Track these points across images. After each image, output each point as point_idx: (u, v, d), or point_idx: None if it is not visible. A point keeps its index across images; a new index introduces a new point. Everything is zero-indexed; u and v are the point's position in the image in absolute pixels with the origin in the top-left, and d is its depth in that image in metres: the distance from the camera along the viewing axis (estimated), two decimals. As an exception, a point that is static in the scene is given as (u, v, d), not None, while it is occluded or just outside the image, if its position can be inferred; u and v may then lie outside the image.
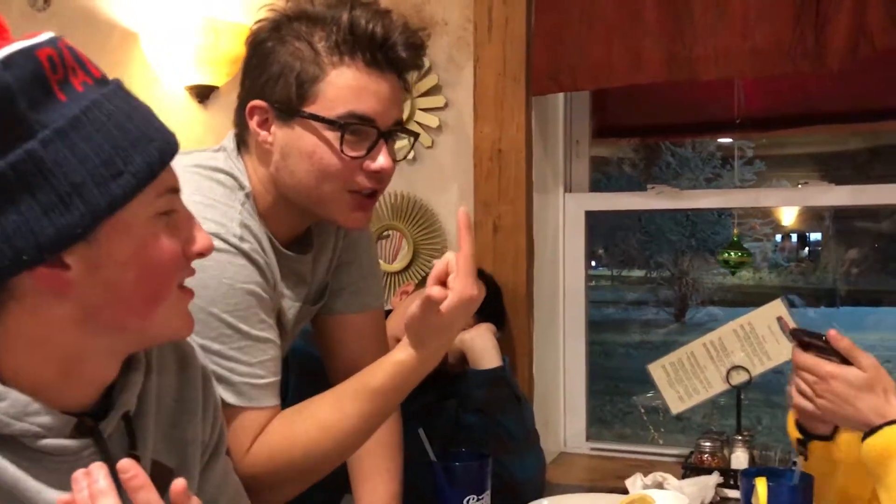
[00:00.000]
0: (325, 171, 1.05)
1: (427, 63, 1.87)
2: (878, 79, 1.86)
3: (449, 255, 1.02)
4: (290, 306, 1.17)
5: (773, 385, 6.65)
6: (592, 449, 1.97)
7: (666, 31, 1.63)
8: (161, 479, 0.73)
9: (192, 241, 0.78)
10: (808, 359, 1.10)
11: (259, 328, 1.07)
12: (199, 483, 0.90)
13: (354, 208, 1.08)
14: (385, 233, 1.94)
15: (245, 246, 1.06)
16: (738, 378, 1.66)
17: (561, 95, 1.95)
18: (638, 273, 10.27)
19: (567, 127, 1.99)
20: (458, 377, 1.57)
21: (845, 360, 1.08)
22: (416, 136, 1.18)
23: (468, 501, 1.19)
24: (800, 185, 1.86)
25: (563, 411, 1.99)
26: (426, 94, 1.87)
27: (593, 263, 9.56)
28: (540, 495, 1.47)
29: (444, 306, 0.99)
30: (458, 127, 1.86)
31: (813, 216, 9.12)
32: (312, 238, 1.20)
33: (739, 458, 1.62)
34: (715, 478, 1.56)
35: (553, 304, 1.97)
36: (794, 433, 1.18)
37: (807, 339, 1.12)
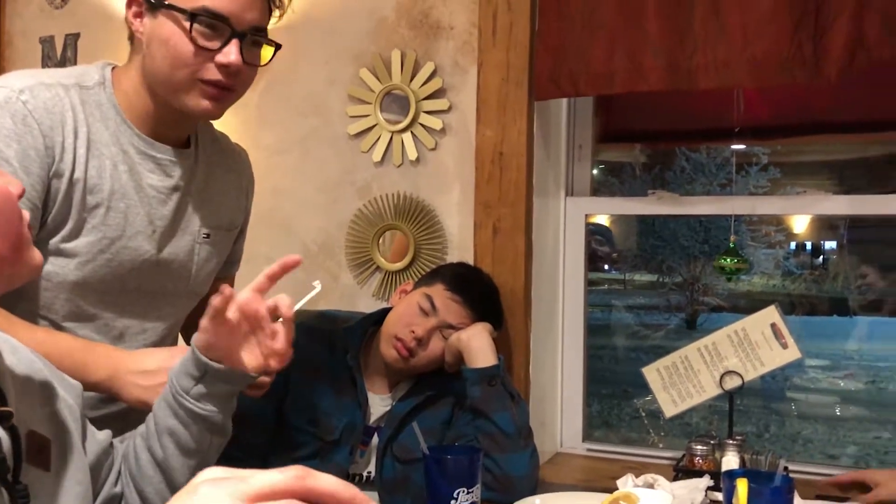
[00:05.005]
0: (178, 57, 1.16)
1: (432, 66, 1.91)
2: (877, 89, 1.88)
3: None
4: (154, 196, 1.26)
5: (777, 393, 6.63)
6: (588, 450, 2.00)
7: (666, 40, 1.66)
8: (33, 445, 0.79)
9: None
10: None
11: None
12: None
13: (203, 96, 1.19)
14: (386, 232, 1.97)
15: (25, 100, 1.15)
16: (731, 383, 1.68)
17: (564, 100, 1.98)
18: (650, 277, 10.25)
19: (570, 131, 2.02)
20: (454, 376, 1.61)
21: None
22: (278, 45, 1.26)
23: (458, 494, 1.23)
24: (797, 194, 1.88)
25: (559, 412, 2.02)
26: (430, 97, 1.91)
27: (606, 267, 9.55)
28: (532, 493, 1.49)
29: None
30: (461, 130, 1.90)
31: (826, 225, 9.07)
32: (199, 147, 1.34)
33: (730, 462, 1.64)
34: (705, 481, 1.57)
35: (552, 306, 2.00)
36: None
37: None
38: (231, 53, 1.16)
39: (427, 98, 1.91)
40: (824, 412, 6.53)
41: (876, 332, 8.46)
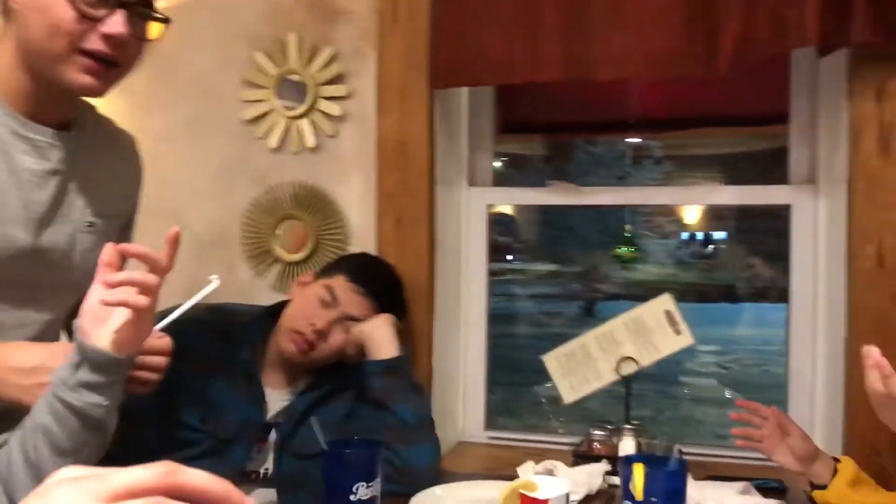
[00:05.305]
0: (58, 25, 1.09)
1: (331, 51, 1.86)
2: (764, 85, 1.96)
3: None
4: (30, 180, 1.18)
5: (671, 377, 6.89)
6: (490, 438, 2.01)
7: (564, 31, 1.67)
8: None
9: None
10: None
11: None
12: None
13: (84, 71, 1.12)
14: (285, 222, 1.92)
15: None
16: (627, 369, 1.72)
17: (465, 90, 1.97)
18: (550, 267, 10.49)
19: (470, 121, 2.01)
20: (356, 368, 1.58)
21: None
22: (167, 21, 1.19)
23: (357, 488, 1.20)
24: (688, 185, 1.94)
25: (462, 401, 2.02)
26: (329, 82, 1.86)
27: (509, 257, 9.71)
28: (435, 483, 1.48)
29: None
30: (361, 117, 1.86)
31: (716, 216, 9.50)
32: (81, 130, 1.25)
33: (626, 447, 1.67)
34: (603, 466, 1.60)
35: (455, 297, 1.99)
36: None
37: None
38: (117, 24, 1.09)
39: (325, 84, 1.86)
40: (714, 395, 6.84)
41: (762, 317, 8.91)
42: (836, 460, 1.39)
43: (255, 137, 1.93)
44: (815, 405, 1.76)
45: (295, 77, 1.88)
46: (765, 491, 1.47)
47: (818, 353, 1.76)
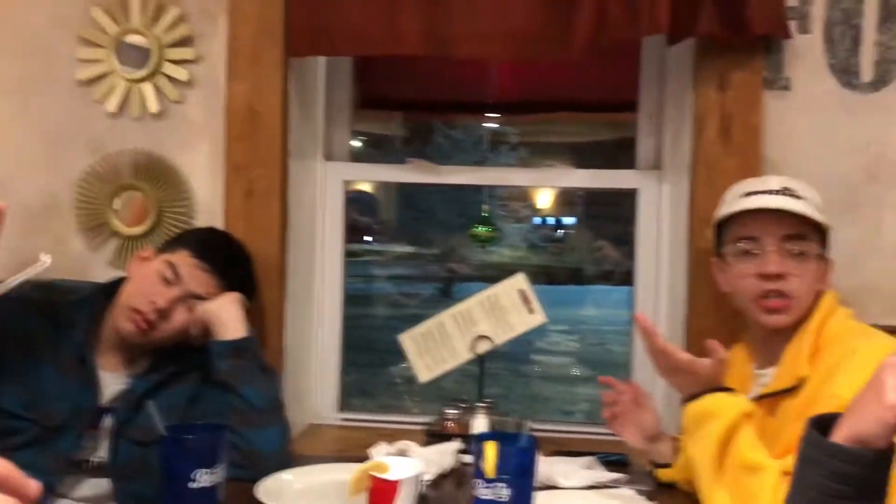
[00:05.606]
0: None
1: (177, 11, 1.75)
2: (615, 72, 2.02)
3: None
4: None
5: (522, 356, 7.11)
6: (343, 420, 1.97)
7: (425, 5, 1.64)
8: None
9: None
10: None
11: None
12: None
13: None
14: (124, 193, 1.79)
15: None
16: (482, 347, 1.73)
17: (323, 61, 1.91)
18: (409, 249, 10.54)
19: (328, 94, 1.95)
20: (201, 349, 1.50)
21: None
22: None
23: (197, 475, 1.13)
24: (544, 168, 1.97)
25: (314, 383, 1.96)
26: (176, 45, 1.75)
27: (369, 239, 9.67)
28: (283, 467, 1.43)
29: None
30: (209, 82, 1.76)
31: (567, 201, 9.87)
32: None
33: (479, 425, 1.68)
34: (456, 444, 1.61)
35: (308, 275, 1.93)
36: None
37: None
38: None
39: (171, 46, 1.74)
40: (561, 372, 7.13)
41: (606, 299, 9.36)
42: (676, 439, 1.46)
43: (91, 100, 1.78)
44: (656, 383, 1.84)
45: (137, 38, 1.75)
46: (608, 464, 1.52)
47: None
